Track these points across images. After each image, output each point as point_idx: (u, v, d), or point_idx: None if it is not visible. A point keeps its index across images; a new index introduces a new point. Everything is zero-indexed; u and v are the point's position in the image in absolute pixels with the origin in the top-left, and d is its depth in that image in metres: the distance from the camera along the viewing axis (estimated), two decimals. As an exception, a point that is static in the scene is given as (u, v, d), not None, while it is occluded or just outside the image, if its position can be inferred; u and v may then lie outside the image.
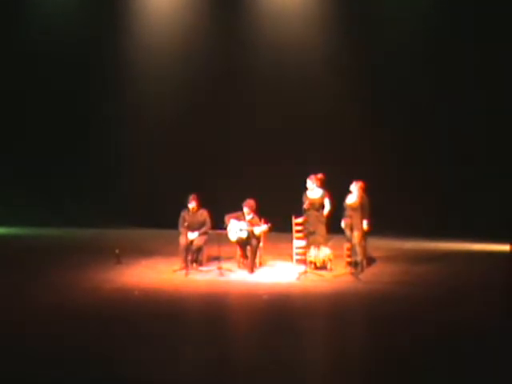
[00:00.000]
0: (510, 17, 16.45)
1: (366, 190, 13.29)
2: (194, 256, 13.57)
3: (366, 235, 13.27)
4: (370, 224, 13.23)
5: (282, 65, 18.14)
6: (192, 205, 13.59)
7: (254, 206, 13.37)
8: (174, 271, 13.28)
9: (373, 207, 13.33)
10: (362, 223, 13.09)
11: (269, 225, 13.17)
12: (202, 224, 13.57)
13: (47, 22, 19.34)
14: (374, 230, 13.49)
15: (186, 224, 13.44)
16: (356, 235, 13.00)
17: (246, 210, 13.31)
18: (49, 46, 19.30)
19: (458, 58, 17.10)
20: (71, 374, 7.88)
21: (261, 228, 13.18)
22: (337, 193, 13.47)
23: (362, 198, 13.17)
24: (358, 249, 13.03)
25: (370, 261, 13.80)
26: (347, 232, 13.17)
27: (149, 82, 19.13)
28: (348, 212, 13.14)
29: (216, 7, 18.60)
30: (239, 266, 13.63)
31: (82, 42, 19.13)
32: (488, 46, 16.62)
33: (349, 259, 13.39)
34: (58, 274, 13.17)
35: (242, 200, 13.37)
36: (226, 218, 13.33)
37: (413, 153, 17.37)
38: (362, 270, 13.03)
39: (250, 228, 13.17)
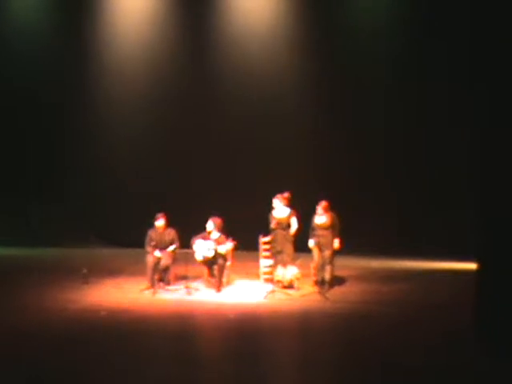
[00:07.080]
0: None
1: (333, 209, 13.31)
2: (162, 275, 13.48)
3: (335, 254, 13.29)
4: (341, 243, 13.26)
5: (251, 86, 18.11)
6: (160, 223, 13.50)
7: (220, 224, 13.33)
8: (141, 291, 13.18)
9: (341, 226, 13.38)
10: (332, 242, 13.13)
11: (234, 242, 13.14)
12: (170, 243, 13.48)
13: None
14: (341, 249, 13.50)
15: (153, 243, 13.35)
16: (327, 254, 13.03)
17: (210, 224, 13.23)
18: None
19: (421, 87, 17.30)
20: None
21: (225, 246, 13.14)
22: (303, 211, 13.47)
23: (332, 217, 13.20)
24: (328, 267, 13.05)
25: (338, 280, 13.81)
26: (315, 251, 13.18)
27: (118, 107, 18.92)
28: (318, 231, 13.15)
29: (185, 38, 18.46)
30: (207, 285, 13.55)
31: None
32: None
33: (315, 278, 13.39)
34: (22, 294, 13.02)
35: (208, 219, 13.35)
36: (192, 239, 13.26)
37: (379, 171, 17.42)
38: (330, 289, 13.04)
39: (215, 247, 13.12)
